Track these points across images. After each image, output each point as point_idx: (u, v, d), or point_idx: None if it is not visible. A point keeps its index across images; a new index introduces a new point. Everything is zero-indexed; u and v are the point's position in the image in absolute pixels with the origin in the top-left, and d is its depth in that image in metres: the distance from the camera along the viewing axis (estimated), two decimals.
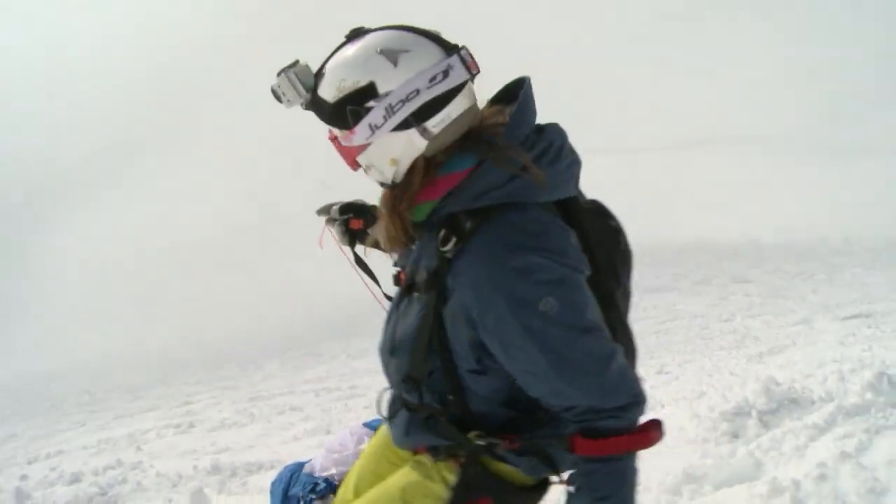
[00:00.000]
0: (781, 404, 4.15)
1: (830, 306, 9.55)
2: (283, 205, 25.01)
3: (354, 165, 1.96)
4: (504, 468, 2.10)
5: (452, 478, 2.11)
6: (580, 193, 2.07)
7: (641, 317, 10.07)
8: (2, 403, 13.45)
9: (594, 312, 1.82)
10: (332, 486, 3.87)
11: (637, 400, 1.83)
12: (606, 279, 1.98)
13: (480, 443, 2.02)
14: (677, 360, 7.57)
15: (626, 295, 2.14)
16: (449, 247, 1.84)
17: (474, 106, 1.92)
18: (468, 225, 1.83)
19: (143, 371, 13.40)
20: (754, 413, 4.06)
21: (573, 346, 1.76)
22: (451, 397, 2.02)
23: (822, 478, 3.01)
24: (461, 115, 1.85)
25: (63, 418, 10.66)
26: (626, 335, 2.09)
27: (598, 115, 27.64)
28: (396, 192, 1.93)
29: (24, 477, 7.08)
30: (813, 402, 4.16)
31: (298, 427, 7.57)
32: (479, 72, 1.86)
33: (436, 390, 2.04)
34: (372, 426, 4.42)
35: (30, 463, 8.09)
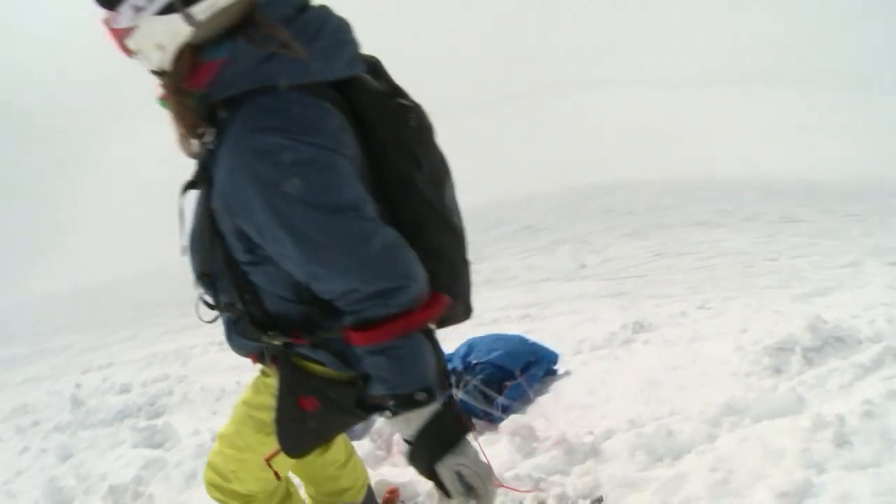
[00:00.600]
0: (827, 342, 4.10)
1: (882, 249, 9.33)
2: None
3: (125, 51, 1.87)
4: (317, 366, 2.07)
5: (275, 383, 2.11)
6: (374, 76, 1.99)
7: (685, 251, 9.96)
8: (57, 315, 13.92)
9: (353, 192, 1.76)
10: None
11: (405, 284, 1.76)
12: (397, 160, 1.90)
13: (276, 342, 2.01)
14: (720, 297, 7.49)
15: (438, 178, 2.05)
16: (209, 138, 1.84)
17: None
18: (223, 114, 1.81)
19: (191, 288, 13.62)
20: (798, 349, 4.01)
21: (321, 226, 1.72)
22: (246, 296, 1.99)
23: (868, 415, 2.99)
24: (231, 4, 1.78)
25: (114, 332, 11.00)
26: (440, 220, 2.02)
27: (644, 47, 26.96)
28: (166, 81, 1.87)
29: (78, 385, 7.35)
30: (860, 342, 4.10)
31: None
32: None
33: (229, 289, 2.02)
34: None
35: (83, 373, 8.40)
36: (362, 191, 1.80)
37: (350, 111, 1.87)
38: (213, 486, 2.49)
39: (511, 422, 3.68)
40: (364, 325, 1.77)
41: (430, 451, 1.82)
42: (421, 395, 1.79)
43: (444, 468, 1.81)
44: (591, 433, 3.42)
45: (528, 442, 3.42)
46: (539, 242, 12.06)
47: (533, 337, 5.04)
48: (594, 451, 3.26)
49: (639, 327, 5.79)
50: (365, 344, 1.78)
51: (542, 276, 9.56)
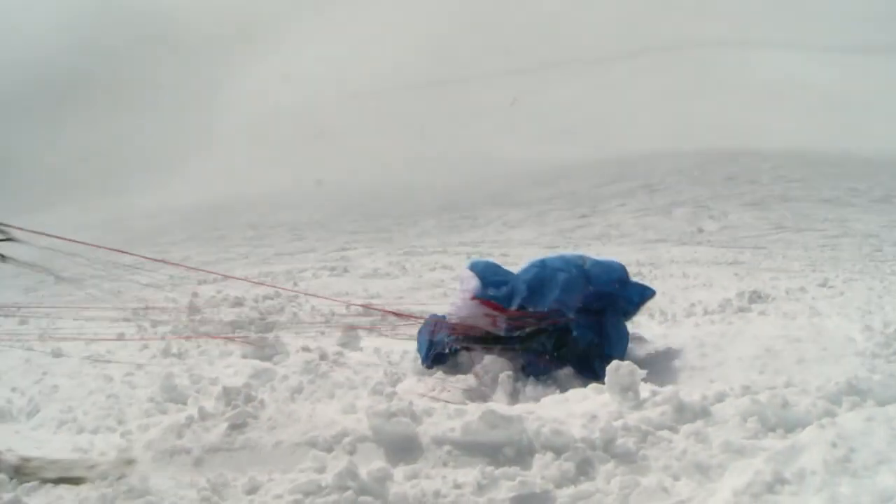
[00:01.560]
0: None
1: None
2: (460, 65, 24.97)
3: None
4: None
5: None
6: None
7: (808, 227, 9.55)
8: (179, 227, 14.55)
9: None
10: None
11: None
12: None
13: None
14: (842, 277, 7.17)
15: None
16: None
17: None
18: None
19: (304, 212, 13.99)
20: None
21: None
22: None
23: None
24: None
25: (229, 248, 11.43)
26: None
27: (807, 10, 25.57)
28: None
29: (195, 294, 7.68)
30: None
31: (448, 285, 7.76)
32: None
33: None
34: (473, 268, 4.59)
35: (199, 284, 8.76)
36: None
37: None
38: None
39: (616, 370, 3.62)
40: None
41: None
42: None
43: None
44: (702, 394, 3.33)
45: (636, 394, 3.36)
46: (656, 202, 11.79)
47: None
48: (704, 412, 3.17)
49: (755, 297, 5.61)
50: None
51: (656, 236, 9.36)
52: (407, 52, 26.09)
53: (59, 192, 20.98)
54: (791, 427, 3.01)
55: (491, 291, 4.69)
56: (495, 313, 4.55)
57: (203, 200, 17.97)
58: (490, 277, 4.87)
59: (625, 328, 4.52)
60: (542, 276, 4.65)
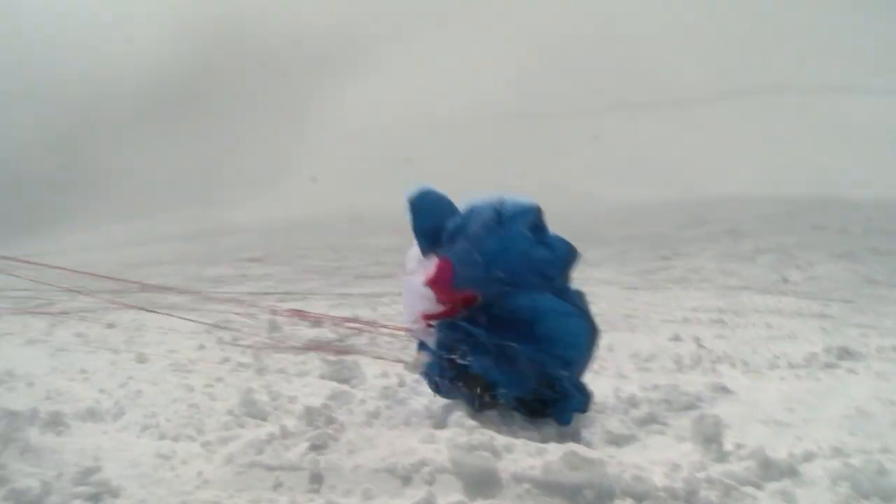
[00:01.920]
0: None
1: None
2: (547, 100, 25.04)
3: None
4: None
5: None
6: None
7: None
8: (260, 244, 14.91)
9: None
10: None
11: None
12: None
13: None
14: None
15: None
16: None
17: None
18: None
19: (385, 237, 14.11)
20: None
21: None
22: None
23: None
24: None
25: (310, 268, 11.64)
26: None
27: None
28: None
29: (274, 312, 7.82)
30: None
31: None
32: None
33: None
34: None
35: (279, 301, 8.91)
36: None
37: None
38: None
39: (699, 421, 3.55)
40: None
41: None
42: None
43: None
44: (789, 452, 3.24)
45: (719, 446, 3.29)
46: (740, 248, 11.54)
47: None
48: (791, 471, 3.08)
49: (844, 353, 5.41)
50: None
51: (738, 283, 9.15)
52: (497, 85, 26.28)
53: (154, 203, 21.86)
54: (888, 496, 2.90)
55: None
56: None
57: (287, 218, 18.43)
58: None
59: (575, 317, 3.77)
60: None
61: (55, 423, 4.01)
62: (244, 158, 24.47)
